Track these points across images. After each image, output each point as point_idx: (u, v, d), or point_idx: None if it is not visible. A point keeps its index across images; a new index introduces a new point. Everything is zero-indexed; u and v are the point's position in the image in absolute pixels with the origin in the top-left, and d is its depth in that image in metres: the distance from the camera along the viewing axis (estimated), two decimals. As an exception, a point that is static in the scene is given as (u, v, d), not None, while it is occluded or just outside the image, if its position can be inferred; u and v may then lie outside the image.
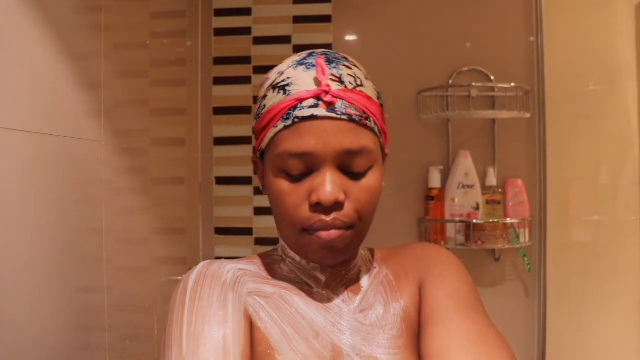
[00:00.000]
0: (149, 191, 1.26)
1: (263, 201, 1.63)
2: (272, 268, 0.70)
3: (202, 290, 0.61)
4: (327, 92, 0.60)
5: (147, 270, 1.26)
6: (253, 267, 0.69)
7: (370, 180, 0.64)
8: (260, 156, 0.68)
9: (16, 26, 0.77)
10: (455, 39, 1.60)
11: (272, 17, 1.63)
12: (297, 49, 1.62)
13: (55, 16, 0.86)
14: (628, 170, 1.58)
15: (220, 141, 1.66)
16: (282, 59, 1.76)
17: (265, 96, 0.65)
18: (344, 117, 0.60)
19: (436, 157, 1.60)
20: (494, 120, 1.59)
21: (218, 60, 1.65)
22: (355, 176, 0.63)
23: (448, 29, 1.61)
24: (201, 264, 0.65)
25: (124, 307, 1.09)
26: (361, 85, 0.63)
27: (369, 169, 0.63)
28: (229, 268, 0.65)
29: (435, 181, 1.56)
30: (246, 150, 1.65)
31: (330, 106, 0.60)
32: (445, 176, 1.57)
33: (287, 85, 0.63)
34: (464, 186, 1.53)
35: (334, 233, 0.62)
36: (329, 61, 0.63)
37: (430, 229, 1.56)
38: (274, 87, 0.64)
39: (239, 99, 1.65)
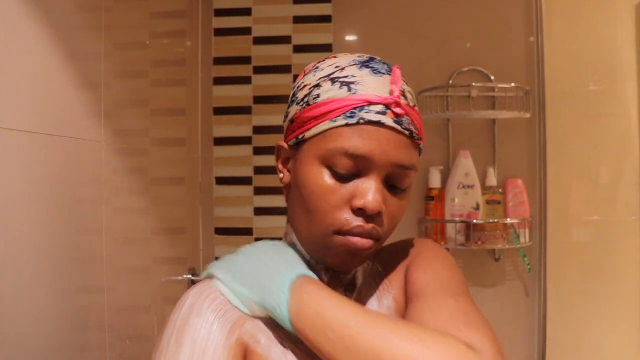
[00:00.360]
0: (149, 191, 1.26)
1: (263, 201, 1.63)
2: None
3: (186, 323, 0.59)
4: (398, 104, 0.60)
5: (147, 271, 1.25)
6: None
7: (405, 198, 0.64)
8: (295, 143, 0.66)
9: (16, 26, 0.77)
10: (455, 39, 1.60)
11: (272, 17, 1.63)
12: (297, 49, 1.62)
13: (55, 16, 0.86)
14: (628, 170, 1.58)
15: (220, 141, 1.65)
16: (282, 59, 1.75)
17: (318, 85, 0.63)
18: (407, 132, 0.61)
19: (436, 157, 1.60)
20: (494, 120, 1.58)
21: (218, 60, 1.65)
22: (395, 191, 0.63)
23: (448, 29, 1.61)
24: (196, 288, 0.64)
25: (124, 307, 1.09)
26: (416, 105, 0.65)
27: (408, 187, 0.64)
28: (216, 294, 0.62)
29: (435, 181, 1.56)
30: (246, 150, 1.65)
31: (396, 117, 0.60)
32: (445, 176, 1.57)
33: (353, 83, 0.61)
34: (464, 186, 1.53)
35: (367, 242, 0.61)
36: (392, 70, 0.63)
37: (430, 229, 1.56)
38: (332, 79, 0.62)
39: (239, 99, 1.65)
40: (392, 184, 0.62)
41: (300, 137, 0.64)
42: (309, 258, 0.67)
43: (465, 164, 1.54)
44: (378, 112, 0.60)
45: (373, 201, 0.59)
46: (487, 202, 1.54)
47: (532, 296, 1.60)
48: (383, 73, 0.63)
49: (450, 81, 1.59)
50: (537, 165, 1.59)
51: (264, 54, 1.63)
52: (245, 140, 1.65)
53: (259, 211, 1.63)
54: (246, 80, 1.64)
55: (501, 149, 1.59)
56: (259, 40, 1.63)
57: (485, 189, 1.55)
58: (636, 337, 1.57)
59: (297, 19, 1.62)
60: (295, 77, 1.60)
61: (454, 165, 1.56)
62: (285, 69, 1.64)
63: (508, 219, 1.53)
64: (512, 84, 1.53)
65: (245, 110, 1.65)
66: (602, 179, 1.60)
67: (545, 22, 1.57)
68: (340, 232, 0.61)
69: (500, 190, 1.57)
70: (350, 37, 1.65)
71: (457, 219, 1.52)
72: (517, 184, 1.57)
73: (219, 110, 1.65)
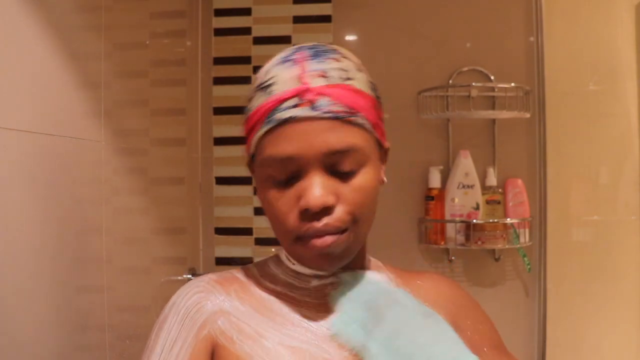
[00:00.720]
0: (149, 191, 1.26)
1: (263, 201, 1.62)
2: (267, 273, 0.68)
3: (164, 321, 0.62)
4: (307, 90, 0.56)
5: (147, 271, 1.26)
6: (243, 275, 0.68)
7: (362, 179, 0.59)
8: (252, 161, 0.65)
9: (16, 26, 0.77)
10: (456, 39, 1.60)
11: (272, 17, 1.63)
12: None
13: (55, 16, 0.86)
14: (628, 170, 1.58)
15: (220, 141, 1.65)
16: None
17: (251, 98, 0.62)
18: (327, 115, 0.56)
19: (436, 157, 1.59)
20: (494, 120, 1.58)
21: (218, 60, 1.65)
22: (346, 176, 0.59)
23: (448, 29, 1.60)
24: (182, 287, 0.65)
25: (124, 307, 1.09)
26: (351, 79, 0.59)
27: (361, 167, 0.59)
28: (195, 291, 0.63)
29: (435, 181, 1.55)
30: (246, 150, 1.65)
31: (312, 105, 0.56)
32: (445, 176, 1.57)
33: (270, 84, 0.58)
34: (464, 186, 1.52)
35: (327, 239, 0.58)
36: (316, 55, 0.59)
37: (430, 229, 1.56)
38: (259, 87, 0.60)
39: (239, 99, 1.64)
40: (338, 171, 0.59)
41: (250, 154, 0.64)
42: (293, 267, 0.67)
43: (465, 164, 1.53)
44: (291, 107, 0.56)
45: (313, 198, 0.56)
46: (487, 202, 1.54)
47: (532, 296, 1.59)
48: (294, 60, 0.59)
49: (450, 81, 1.59)
50: (537, 165, 1.58)
51: (264, 54, 1.58)
52: (245, 140, 1.64)
53: (259, 211, 1.63)
54: (246, 80, 1.63)
55: (501, 149, 1.58)
56: (259, 40, 1.63)
57: (485, 189, 1.55)
58: (636, 337, 1.57)
59: (297, 19, 1.62)
60: None
61: (454, 165, 1.56)
62: None
63: (508, 219, 1.52)
64: (512, 84, 1.53)
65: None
66: (602, 179, 1.60)
67: (545, 22, 1.56)
68: (299, 238, 0.60)
69: (500, 190, 1.56)
70: (350, 37, 1.65)
71: (457, 219, 1.51)
72: (517, 184, 1.56)
73: (219, 110, 1.65)
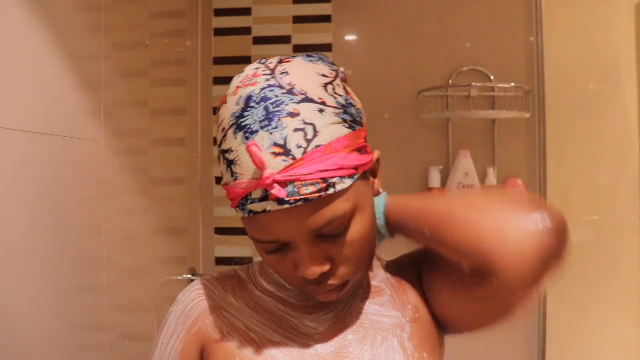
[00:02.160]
0: (149, 191, 1.25)
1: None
2: (265, 271, 0.69)
3: (167, 317, 0.66)
4: (270, 183, 0.52)
5: (147, 271, 1.26)
6: (244, 273, 0.70)
7: (353, 233, 0.57)
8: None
9: (16, 26, 0.77)
10: (456, 39, 1.60)
11: (272, 17, 1.62)
12: (297, 49, 1.61)
13: (55, 16, 0.86)
14: (628, 170, 1.58)
15: (220, 141, 1.65)
16: None
17: (219, 159, 0.58)
18: (300, 202, 0.53)
19: (436, 157, 1.60)
20: (494, 120, 1.59)
21: (218, 60, 1.65)
22: (336, 236, 0.57)
23: (448, 29, 1.60)
24: (187, 287, 0.69)
25: (124, 308, 1.09)
26: (316, 134, 0.54)
27: (350, 222, 0.57)
28: (195, 289, 0.67)
29: (435, 181, 1.55)
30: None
31: (278, 199, 0.53)
32: (445, 176, 1.57)
33: (232, 163, 0.55)
34: (464, 186, 1.53)
35: (331, 295, 0.60)
36: (268, 118, 0.53)
37: None
38: (222, 156, 0.57)
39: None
40: (328, 235, 0.57)
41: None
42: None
43: (465, 164, 1.54)
44: (261, 200, 0.54)
45: (308, 273, 0.56)
46: None
47: None
48: (257, 132, 0.53)
49: (450, 81, 1.59)
50: (537, 165, 1.59)
51: (264, 54, 1.59)
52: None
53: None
54: (247, 80, 1.63)
55: (501, 148, 1.59)
56: (259, 40, 1.63)
57: (485, 188, 1.54)
58: (636, 337, 1.57)
59: (297, 19, 1.62)
60: None
61: (454, 165, 1.56)
62: None
63: None
64: (512, 84, 1.54)
65: (245, 111, 1.64)
66: (602, 179, 1.60)
67: (545, 22, 1.57)
68: (305, 292, 0.62)
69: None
70: (350, 37, 1.65)
71: None
72: (517, 183, 1.57)
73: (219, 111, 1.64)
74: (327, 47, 1.61)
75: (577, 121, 1.59)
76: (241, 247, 1.63)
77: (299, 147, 0.53)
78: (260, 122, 0.54)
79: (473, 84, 1.56)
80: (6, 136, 0.73)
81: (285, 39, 1.62)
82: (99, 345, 0.99)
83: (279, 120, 0.53)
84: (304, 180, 0.53)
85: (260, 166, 0.52)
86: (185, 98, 1.51)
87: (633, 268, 1.57)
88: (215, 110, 0.60)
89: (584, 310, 1.57)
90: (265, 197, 0.53)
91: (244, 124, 0.55)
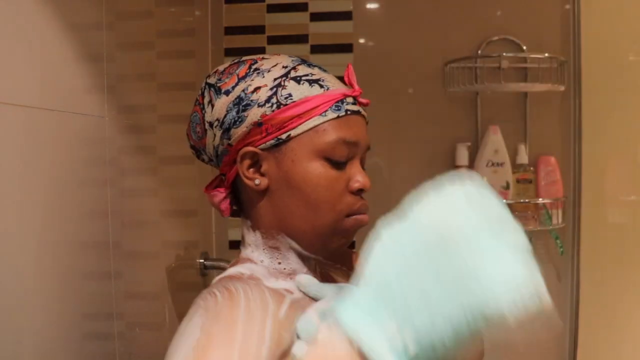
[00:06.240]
0: (157, 171, 1.25)
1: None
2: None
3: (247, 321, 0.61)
4: (358, 93, 0.72)
5: (157, 255, 1.25)
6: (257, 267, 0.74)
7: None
8: (273, 145, 0.70)
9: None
10: (485, 5, 1.56)
11: (287, -18, 1.61)
12: (315, 17, 1.58)
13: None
14: (669, 148, 1.56)
15: (232, 117, 1.61)
16: (298, 28, 1.74)
17: (280, 86, 0.69)
18: (365, 115, 0.74)
19: (463, 133, 1.57)
20: (525, 94, 1.55)
21: (229, 30, 1.62)
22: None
23: (476, -5, 1.58)
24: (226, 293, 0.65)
25: (132, 294, 1.09)
26: None
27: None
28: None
29: (462, 159, 1.53)
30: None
31: (361, 106, 0.72)
32: (473, 153, 1.54)
33: (319, 80, 0.70)
34: (493, 164, 1.50)
35: (367, 216, 0.72)
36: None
37: None
38: (296, 79, 0.70)
39: (253, 72, 1.59)
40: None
41: (284, 137, 0.69)
42: (306, 254, 0.73)
43: (495, 141, 1.50)
44: (351, 103, 0.70)
45: (367, 180, 0.71)
46: (518, 181, 1.51)
47: (565, 281, 1.57)
48: (325, 71, 0.74)
49: (479, 51, 1.55)
50: (572, 141, 1.56)
51: (278, 23, 1.59)
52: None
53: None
54: (260, 51, 1.57)
55: (533, 124, 1.56)
56: (273, 8, 1.60)
57: (515, 167, 1.52)
58: (675, 324, 1.56)
59: (314, -15, 1.61)
60: (313, 47, 1.58)
61: (483, 141, 1.53)
62: (301, 39, 1.59)
63: (540, 199, 1.50)
64: (546, 55, 1.49)
65: (259, 84, 1.60)
66: (642, 156, 1.59)
67: (582, -14, 1.55)
68: (349, 214, 0.70)
69: (531, 168, 1.53)
70: (371, 5, 1.61)
71: None
72: (550, 161, 1.54)
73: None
74: (346, 15, 1.57)
75: (615, 94, 1.54)
76: (255, 229, 1.60)
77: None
78: (319, 66, 0.74)
79: (504, 54, 1.52)
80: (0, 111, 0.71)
81: (301, 6, 1.59)
82: (106, 334, 0.99)
83: (352, 70, 0.74)
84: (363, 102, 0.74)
85: (354, 83, 0.72)
86: (194, 71, 1.48)
87: (673, 252, 1.55)
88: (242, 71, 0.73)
89: (619, 297, 1.54)
90: (354, 103, 0.71)
91: (314, 64, 0.74)
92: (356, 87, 0.71)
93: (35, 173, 0.79)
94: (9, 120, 0.73)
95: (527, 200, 1.48)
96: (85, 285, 0.92)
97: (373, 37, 1.59)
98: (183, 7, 1.45)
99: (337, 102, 0.69)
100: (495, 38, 1.55)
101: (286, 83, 0.69)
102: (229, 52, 1.61)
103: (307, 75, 0.70)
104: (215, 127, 0.72)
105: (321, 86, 0.69)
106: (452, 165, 1.55)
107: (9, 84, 0.73)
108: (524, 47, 1.54)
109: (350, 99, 0.70)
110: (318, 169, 0.68)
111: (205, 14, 1.55)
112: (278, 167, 0.69)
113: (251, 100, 0.69)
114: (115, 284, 1.00)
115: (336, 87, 0.70)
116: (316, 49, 1.57)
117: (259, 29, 1.60)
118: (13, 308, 0.73)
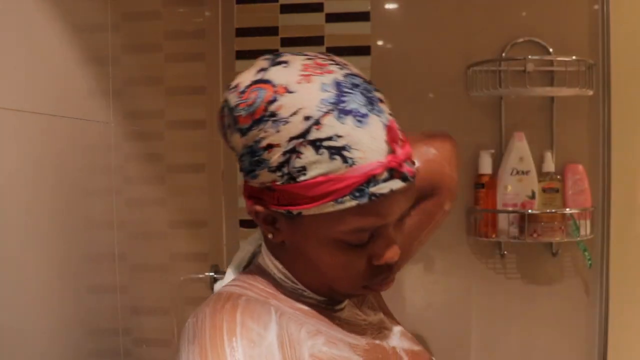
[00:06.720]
0: (165, 180, 1.25)
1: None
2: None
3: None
4: (399, 162, 0.57)
5: (165, 268, 1.25)
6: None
7: (407, 222, 0.67)
8: (287, 216, 0.62)
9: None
10: (509, 6, 1.54)
11: (302, -18, 1.61)
12: (330, 17, 1.57)
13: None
14: (703, 155, 1.53)
15: (244, 123, 1.58)
16: (313, 29, 1.71)
17: (295, 151, 0.57)
18: (413, 179, 0.60)
19: (487, 140, 1.55)
20: (552, 98, 1.53)
21: (241, 32, 1.61)
22: (400, 221, 0.65)
23: (501, -5, 1.57)
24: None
25: (139, 309, 1.09)
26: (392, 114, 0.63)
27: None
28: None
29: (486, 167, 1.51)
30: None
31: (403, 176, 0.58)
32: (497, 161, 1.53)
33: (344, 149, 0.56)
34: (518, 172, 1.48)
35: (390, 283, 0.65)
36: (370, 103, 0.59)
37: (480, 220, 1.52)
38: (315, 145, 0.56)
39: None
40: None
41: (294, 212, 0.60)
42: (306, 292, 0.68)
43: (520, 148, 1.49)
44: (385, 180, 0.57)
45: (394, 256, 0.62)
46: (544, 190, 1.49)
47: (593, 295, 1.54)
48: (368, 115, 0.57)
49: (504, 54, 1.53)
50: (601, 149, 1.53)
51: (292, 24, 1.58)
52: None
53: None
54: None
55: (560, 130, 1.53)
56: (286, 8, 1.58)
57: (541, 175, 1.50)
58: None
59: (330, -16, 1.60)
60: (328, 49, 1.56)
61: (507, 149, 1.52)
62: (317, 40, 1.57)
63: (567, 209, 1.48)
64: (573, 57, 1.47)
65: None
66: (674, 164, 1.56)
67: (611, -13, 1.53)
68: (367, 286, 0.65)
69: (558, 177, 1.51)
70: (390, 6, 1.59)
71: (510, 208, 1.48)
72: (577, 170, 1.51)
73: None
74: (364, 16, 1.55)
75: (646, 99, 1.54)
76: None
77: (399, 128, 0.60)
78: (365, 105, 0.58)
79: (529, 57, 1.50)
80: (1, 116, 0.70)
81: (317, 7, 1.57)
82: (112, 350, 0.97)
83: (378, 104, 0.59)
84: (409, 159, 0.60)
85: (395, 143, 0.58)
86: (204, 74, 1.48)
87: None
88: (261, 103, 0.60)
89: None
90: (389, 177, 0.57)
91: (347, 108, 0.57)
92: (399, 151, 0.57)
93: (37, 182, 0.78)
94: (8, 125, 0.72)
95: (553, 211, 1.46)
96: (90, 300, 0.91)
97: (392, 38, 1.57)
98: (192, 7, 1.45)
99: (361, 185, 0.56)
100: (520, 40, 1.53)
101: (302, 150, 0.57)
102: (241, 55, 1.60)
103: (330, 138, 0.56)
104: (235, 154, 0.66)
105: (345, 160, 0.56)
106: (475, 173, 1.53)
107: (8, 88, 0.72)
108: (551, 50, 1.52)
109: (383, 175, 0.56)
110: (332, 252, 0.61)
111: (216, 15, 1.55)
112: (292, 233, 0.63)
113: (263, 159, 0.60)
114: (121, 299, 0.99)
115: (366, 159, 0.56)
116: (332, 52, 1.52)
117: (272, 31, 1.59)
118: (12, 323, 0.72)
